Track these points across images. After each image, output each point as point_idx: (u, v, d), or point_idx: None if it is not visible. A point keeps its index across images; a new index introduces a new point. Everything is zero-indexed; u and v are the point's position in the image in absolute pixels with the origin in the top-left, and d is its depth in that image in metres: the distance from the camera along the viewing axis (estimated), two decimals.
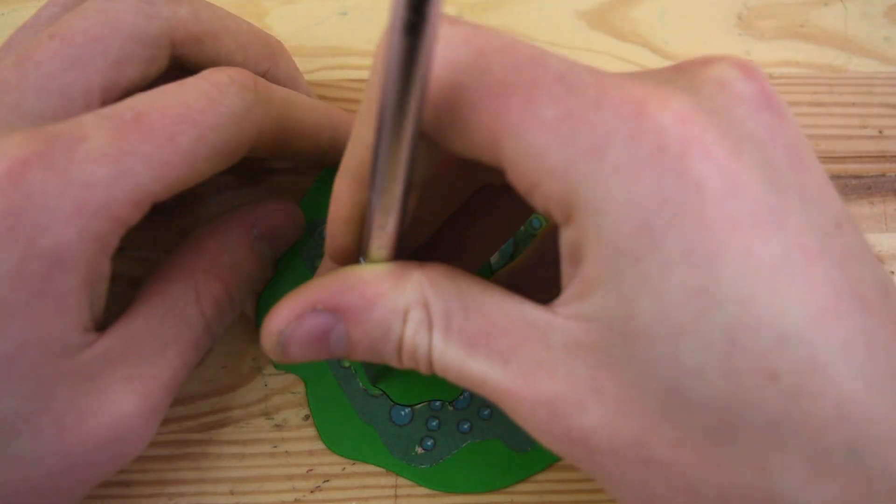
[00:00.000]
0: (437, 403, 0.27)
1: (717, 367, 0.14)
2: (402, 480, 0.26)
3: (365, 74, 0.31)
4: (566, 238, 0.16)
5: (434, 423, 0.26)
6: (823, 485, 0.14)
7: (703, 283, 0.14)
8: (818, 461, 0.14)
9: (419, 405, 0.27)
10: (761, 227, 0.14)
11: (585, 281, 0.15)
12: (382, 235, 0.17)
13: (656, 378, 0.14)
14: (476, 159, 0.16)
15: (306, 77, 0.31)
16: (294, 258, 0.28)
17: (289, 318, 0.18)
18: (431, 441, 0.26)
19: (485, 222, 0.24)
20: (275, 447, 0.26)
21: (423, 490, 0.26)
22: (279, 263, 0.28)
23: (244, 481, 0.26)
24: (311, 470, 0.26)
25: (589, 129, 0.14)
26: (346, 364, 0.27)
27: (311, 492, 0.26)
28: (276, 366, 0.27)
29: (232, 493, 0.26)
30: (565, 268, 0.16)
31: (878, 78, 0.31)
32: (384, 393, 0.27)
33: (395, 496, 0.26)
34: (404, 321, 0.17)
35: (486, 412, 0.26)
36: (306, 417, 0.27)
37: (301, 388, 0.27)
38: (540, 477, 0.26)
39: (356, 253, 0.20)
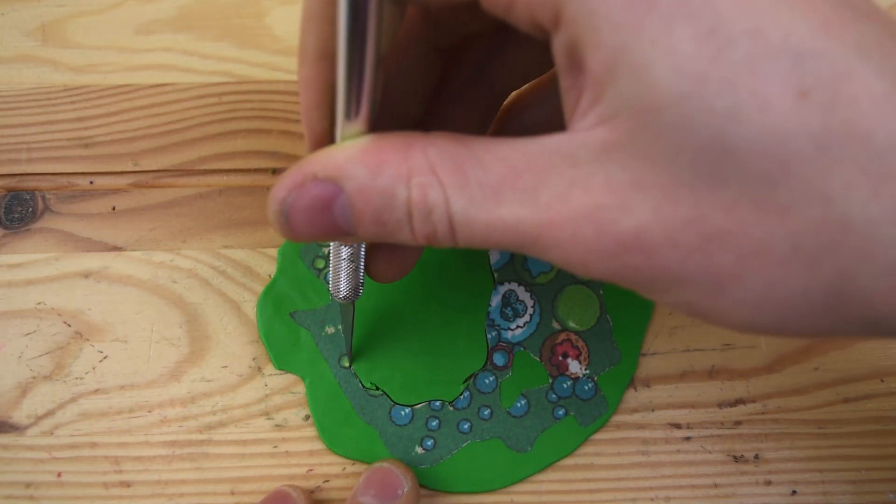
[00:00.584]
0: (437, 403, 0.27)
1: (749, 104, 0.13)
2: None
3: None
4: (560, 44, 0.15)
5: (434, 423, 0.26)
6: (890, 191, 0.13)
7: (708, 25, 0.13)
8: (876, 168, 0.13)
9: (419, 405, 0.27)
10: None
11: (594, 79, 0.14)
12: (357, 117, 0.17)
13: (694, 140, 0.14)
14: None
15: None
16: (294, 258, 0.28)
17: (290, 186, 0.17)
18: (431, 441, 0.26)
19: (474, 90, 0.22)
20: (275, 447, 0.26)
21: (423, 490, 0.26)
22: (279, 262, 0.28)
23: (244, 481, 0.26)
24: (311, 470, 0.26)
25: None
26: (346, 364, 0.27)
27: (312, 492, 0.26)
28: (276, 366, 0.27)
29: (232, 493, 0.26)
30: (567, 82, 0.15)
31: None
32: (384, 393, 0.27)
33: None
34: (408, 186, 0.16)
35: (486, 412, 0.26)
36: (306, 417, 0.27)
37: (301, 388, 0.27)
38: (540, 477, 0.26)
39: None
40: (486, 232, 0.16)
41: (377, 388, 0.27)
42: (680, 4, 0.13)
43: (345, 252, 0.22)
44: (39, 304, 0.28)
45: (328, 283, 0.28)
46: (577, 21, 0.14)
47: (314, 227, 0.17)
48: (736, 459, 0.26)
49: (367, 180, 0.16)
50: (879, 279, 0.14)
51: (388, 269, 0.23)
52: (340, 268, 0.22)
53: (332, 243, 0.22)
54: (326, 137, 0.18)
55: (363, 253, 0.22)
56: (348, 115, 0.16)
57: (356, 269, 0.22)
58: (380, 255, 0.23)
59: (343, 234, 0.17)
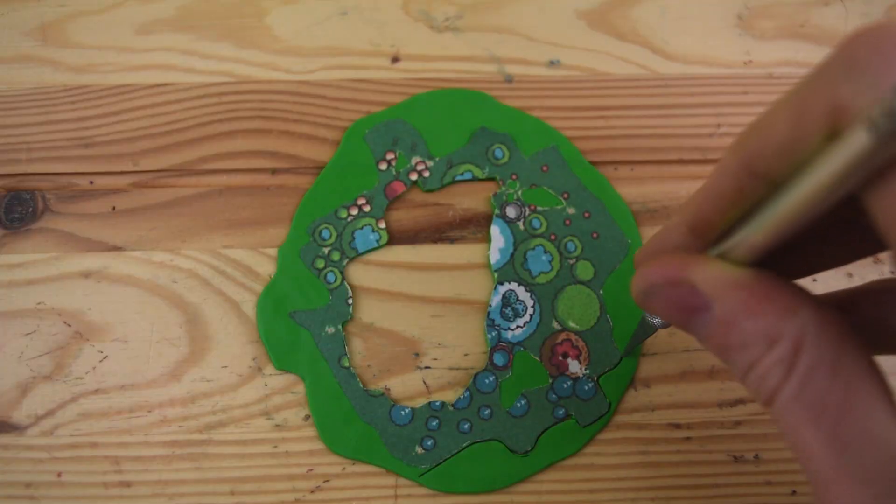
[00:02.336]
0: (437, 403, 0.27)
1: None
2: (402, 480, 0.26)
3: (365, 74, 0.31)
4: None
5: (434, 423, 0.26)
6: None
7: None
8: None
9: (419, 405, 0.27)
10: None
11: None
12: (756, 242, 0.16)
13: None
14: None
15: (306, 77, 0.31)
16: (294, 258, 0.28)
17: (667, 278, 0.17)
18: (431, 441, 0.26)
19: (824, 247, 0.21)
20: (275, 447, 0.26)
21: (423, 490, 0.26)
22: (279, 262, 0.28)
23: (244, 481, 0.26)
24: (311, 470, 0.26)
25: None
26: (346, 364, 0.27)
27: (311, 492, 0.26)
28: (277, 365, 0.27)
29: (232, 493, 0.26)
30: None
31: None
32: (384, 393, 0.27)
33: (395, 496, 0.26)
34: (768, 348, 0.15)
35: (486, 412, 0.26)
36: (306, 417, 0.27)
37: (301, 388, 0.27)
38: (540, 477, 0.26)
39: (713, 233, 0.18)
40: (787, 431, 0.15)
41: (377, 389, 0.27)
42: None
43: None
44: (39, 304, 0.28)
45: (329, 285, 0.28)
46: None
47: (667, 317, 0.18)
48: (736, 459, 0.26)
49: (739, 318, 0.16)
50: None
51: None
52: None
53: None
54: (705, 227, 0.18)
55: None
56: (747, 239, 0.16)
57: None
58: None
59: (692, 335, 0.18)
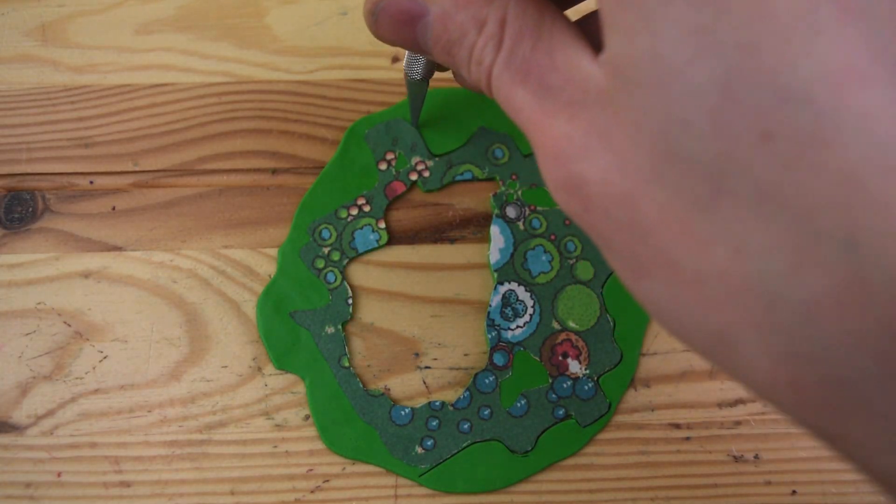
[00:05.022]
0: (437, 403, 0.27)
1: (705, 120, 0.12)
2: (402, 480, 0.26)
3: (365, 74, 0.31)
4: None
5: (434, 423, 0.26)
6: (809, 275, 0.12)
7: (701, 21, 0.12)
8: (806, 247, 0.12)
9: (419, 405, 0.27)
10: None
11: (604, 21, 0.14)
12: None
13: (649, 129, 0.13)
14: None
15: (306, 77, 0.31)
16: (294, 258, 0.28)
17: None
18: (431, 441, 0.26)
19: None
20: (275, 447, 0.26)
21: (423, 490, 0.26)
22: (279, 262, 0.28)
23: (244, 481, 0.26)
24: (311, 470, 0.26)
25: None
26: (346, 364, 0.27)
27: (312, 492, 0.26)
28: (276, 365, 0.27)
29: (232, 493, 0.26)
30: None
31: None
32: (384, 393, 0.27)
33: (395, 496, 0.26)
34: (479, 31, 0.17)
35: (486, 412, 0.26)
36: (306, 417, 0.27)
37: (301, 388, 0.27)
38: (540, 477, 0.26)
39: None
40: (504, 102, 0.17)
41: (377, 389, 0.27)
42: None
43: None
44: (39, 304, 0.28)
45: (329, 285, 0.28)
46: None
47: (396, 36, 0.19)
48: (736, 459, 0.26)
49: (451, 12, 0.17)
50: (763, 357, 0.13)
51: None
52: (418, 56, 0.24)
53: None
54: None
55: None
56: None
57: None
58: None
59: (420, 50, 0.19)
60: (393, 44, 0.19)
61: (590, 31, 0.17)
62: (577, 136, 0.15)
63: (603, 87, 0.14)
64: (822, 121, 0.11)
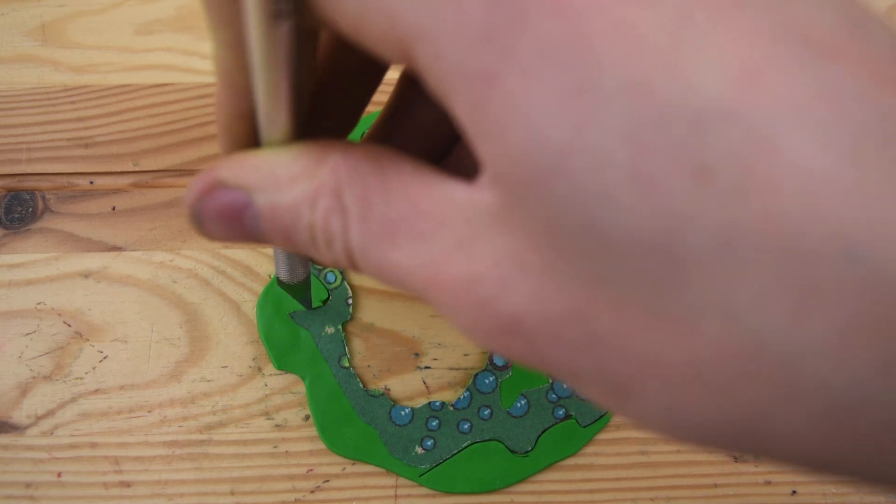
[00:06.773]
0: (437, 403, 0.27)
1: (626, 184, 0.10)
2: (402, 480, 0.26)
3: None
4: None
5: (434, 423, 0.26)
6: (820, 311, 0.10)
7: (578, 78, 0.10)
8: (803, 279, 0.10)
9: (419, 405, 0.27)
10: None
11: (468, 133, 0.12)
12: (276, 128, 0.15)
13: (565, 228, 0.11)
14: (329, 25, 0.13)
15: None
16: None
17: (199, 190, 0.16)
18: (431, 441, 0.26)
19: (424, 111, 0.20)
20: (275, 447, 0.26)
21: (423, 490, 0.26)
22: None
23: (244, 481, 0.26)
24: (311, 470, 0.26)
25: None
26: (346, 364, 0.27)
27: (312, 492, 0.26)
28: (276, 366, 0.27)
29: (232, 494, 0.26)
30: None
31: None
32: (384, 393, 0.27)
33: (395, 496, 0.26)
34: (312, 208, 0.14)
35: (486, 412, 0.26)
36: (306, 417, 0.27)
37: (301, 388, 0.27)
38: (540, 477, 0.26)
39: (250, 143, 0.17)
40: (380, 273, 0.14)
41: (377, 389, 0.27)
42: (544, 54, 0.10)
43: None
44: (39, 304, 0.28)
45: (329, 285, 0.28)
46: (427, 69, 0.11)
47: (228, 234, 0.16)
48: (736, 459, 0.26)
49: (274, 195, 0.15)
50: (805, 425, 0.11)
51: None
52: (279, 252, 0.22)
53: None
54: (245, 138, 0.17)
55: None
56: (270, 119, 0.15)
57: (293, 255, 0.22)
58: None
59: (258, 243, 0.16)
60: (229, 242, 0.16)
61: (460, 163, 0.15)
62: (486, 273, 0.12)
63: (491, 208, 0.12)
64: (754, 130, 0.10)
